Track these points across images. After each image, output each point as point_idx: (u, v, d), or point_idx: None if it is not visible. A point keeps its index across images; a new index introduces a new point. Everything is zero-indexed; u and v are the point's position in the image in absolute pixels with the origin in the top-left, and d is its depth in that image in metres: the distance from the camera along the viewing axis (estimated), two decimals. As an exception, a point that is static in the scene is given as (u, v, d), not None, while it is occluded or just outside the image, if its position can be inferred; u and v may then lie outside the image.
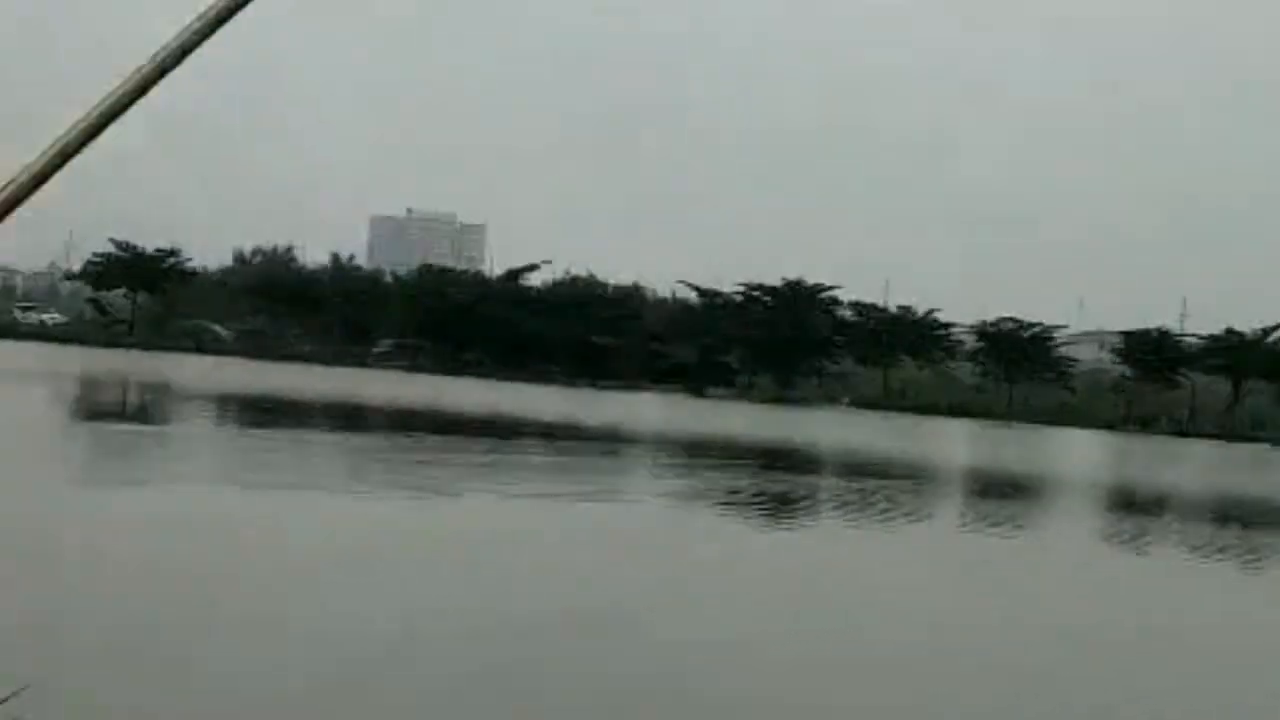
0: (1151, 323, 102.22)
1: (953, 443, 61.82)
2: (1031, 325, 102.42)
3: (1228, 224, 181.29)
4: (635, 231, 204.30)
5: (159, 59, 2.20)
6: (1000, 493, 38.25)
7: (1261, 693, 15.51)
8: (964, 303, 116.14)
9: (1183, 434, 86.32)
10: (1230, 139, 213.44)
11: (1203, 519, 35.97)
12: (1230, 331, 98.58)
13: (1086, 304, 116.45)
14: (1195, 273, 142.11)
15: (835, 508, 30.34)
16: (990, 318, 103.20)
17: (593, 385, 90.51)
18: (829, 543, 24.97)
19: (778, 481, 34.71)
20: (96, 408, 44.87)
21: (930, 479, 41.01)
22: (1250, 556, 27.87)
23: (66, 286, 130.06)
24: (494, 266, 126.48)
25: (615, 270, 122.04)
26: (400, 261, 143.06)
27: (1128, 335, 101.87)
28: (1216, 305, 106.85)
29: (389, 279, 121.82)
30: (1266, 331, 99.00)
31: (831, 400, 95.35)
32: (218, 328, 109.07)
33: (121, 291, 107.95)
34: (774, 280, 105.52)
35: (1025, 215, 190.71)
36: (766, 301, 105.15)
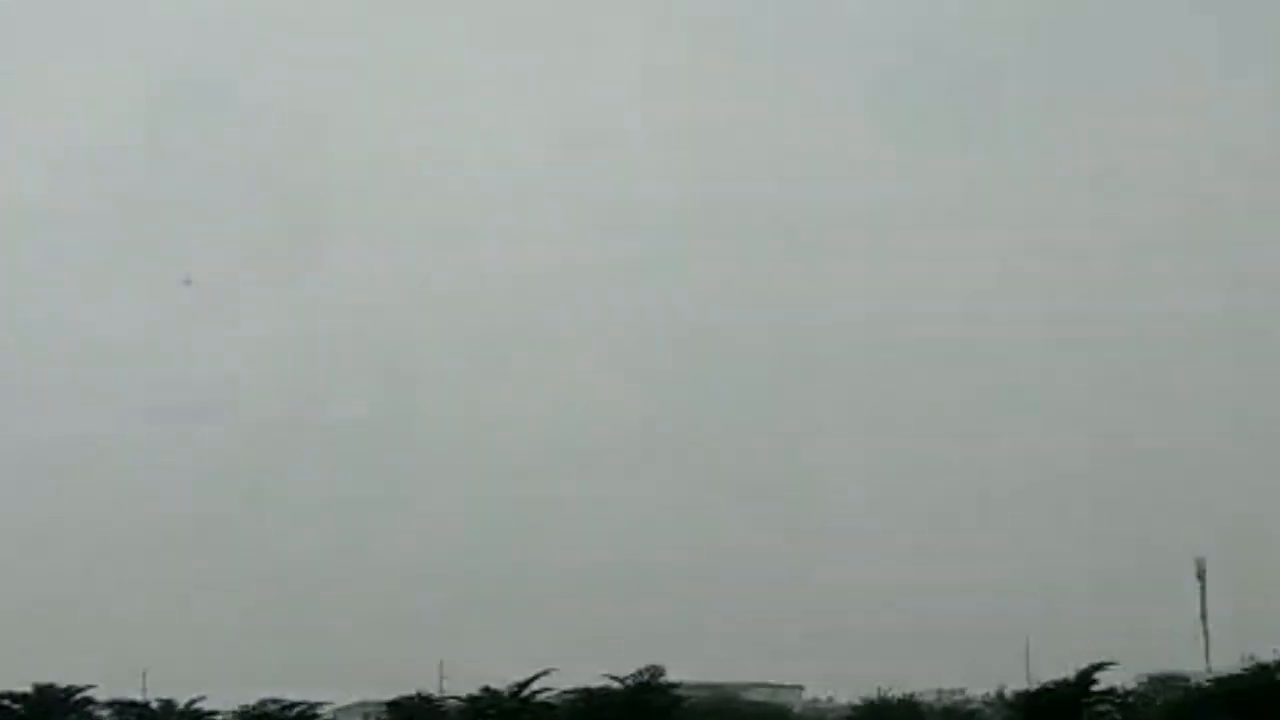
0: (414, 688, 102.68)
1: None
2: (296, 704, 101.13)
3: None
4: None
5: None
6: None
7: None
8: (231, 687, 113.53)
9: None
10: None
11: None
12: (487, 690, 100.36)
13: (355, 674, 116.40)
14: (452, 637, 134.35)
15: None
16: (254, 700, 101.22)
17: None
18: None
19: None
20: None
21: None
22: None
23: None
24: None
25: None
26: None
27: (392, 705, 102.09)
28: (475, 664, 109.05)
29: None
30: (520, 685, 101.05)
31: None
32: None
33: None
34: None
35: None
36: (18, 710, 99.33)
